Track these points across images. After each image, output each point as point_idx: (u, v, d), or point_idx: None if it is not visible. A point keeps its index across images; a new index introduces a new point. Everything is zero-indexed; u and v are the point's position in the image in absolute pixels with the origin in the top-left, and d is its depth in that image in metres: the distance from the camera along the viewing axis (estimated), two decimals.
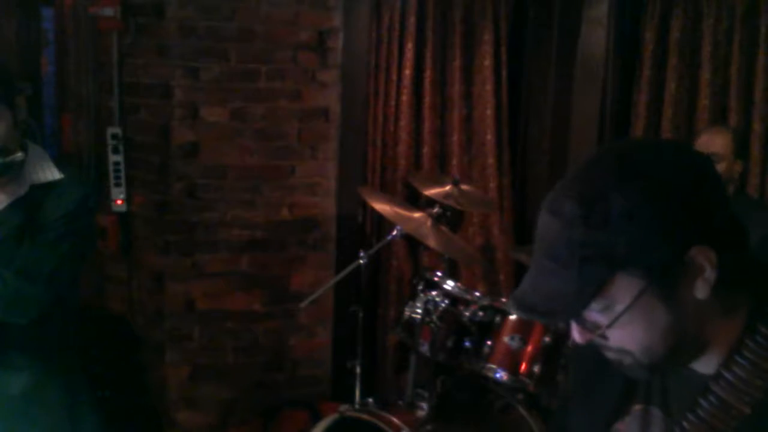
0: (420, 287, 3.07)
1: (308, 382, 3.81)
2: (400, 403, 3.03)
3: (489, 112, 4.09)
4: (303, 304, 3.22)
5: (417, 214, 3.20)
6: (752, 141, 3.63)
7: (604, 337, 1.02)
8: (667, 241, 0.95)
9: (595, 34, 3.97)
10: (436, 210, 3.16)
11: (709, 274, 0.97)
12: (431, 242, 3.08)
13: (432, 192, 3.46)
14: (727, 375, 1.01)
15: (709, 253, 0.97)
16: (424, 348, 2.98)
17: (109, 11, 3.49)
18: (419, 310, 2.99)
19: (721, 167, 3.05)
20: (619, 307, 0.98)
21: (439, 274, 3.13)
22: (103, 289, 3.91)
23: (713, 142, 3.07)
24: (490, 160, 4.13)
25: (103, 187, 3.75)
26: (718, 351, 1.03)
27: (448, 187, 3.43)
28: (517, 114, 4.28)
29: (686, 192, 0.97)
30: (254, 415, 3.69)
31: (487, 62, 4.06)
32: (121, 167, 3.60)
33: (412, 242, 3.96)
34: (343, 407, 2.93)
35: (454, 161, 4.08)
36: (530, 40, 4.25)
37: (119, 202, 3.61)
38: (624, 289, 0.97)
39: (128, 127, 3.61)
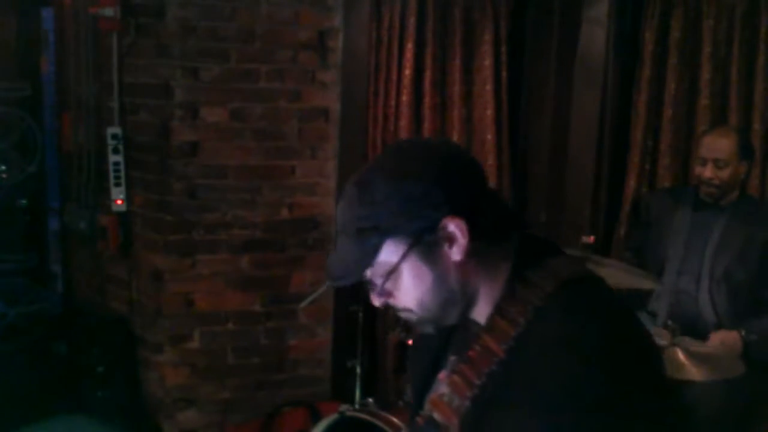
0: None
1: (308, 382, 3.81)
2: (400, 403, 3.04)
3: (489, 112, 4.09)
4: (303, 304, 3.22)
5: None
6: (752, 141, 3.62)
7: (389, 296, 1.24)
8: (422, 213, 1.18)
9: (595, 34, 3.97)
10: None
11: (462, 240, 1.19)
12: None
13: None
14: (492, 325, 1.21)
15: (461, 223, 1.18)
16: None
17: (109, 11, 3.49)
18: None
19: (726, 172, 3.02)
20: (390, 266, 1.21)
21: None
22: (103, 289, 3.91)
23: (718, 147, 3.03)
24: (490, 160, 4.13)
25: (103, 187, 3.76)
26: (488, 304, 1.24)
27: None
28: (517, 114, 4.28)
29: (436, 175, 1.19)
30: (254, 415, 3.69)
31: (487, 62, 4.05)
32: (121, 167, 3.60)
33: None
34: (343, 407, 2.93)
35: None
36: (530, 40, 4.25)
37: (119, 202, 3.61)
38: (393, 253, 1.20)
39: (128, 127, 3.61)
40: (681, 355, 2.62)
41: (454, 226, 1.19)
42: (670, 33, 3.84)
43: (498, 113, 4.13)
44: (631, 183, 3.97)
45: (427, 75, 3.96)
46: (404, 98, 3.93)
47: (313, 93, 3.61)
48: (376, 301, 1.27)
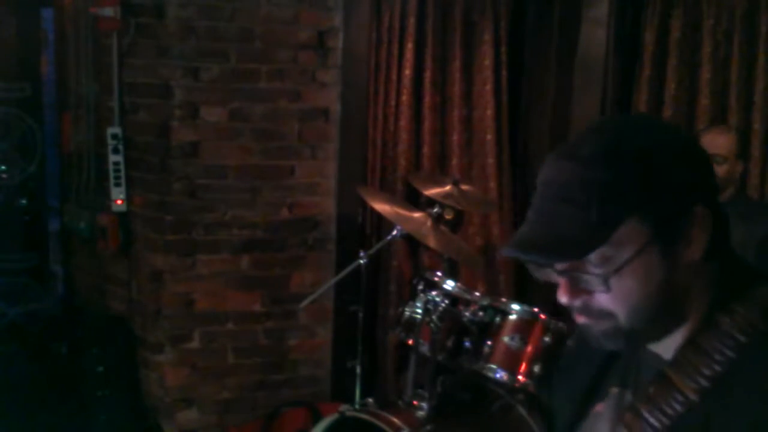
0: (420, 287, 3.07)
1: (308, 382, 3.81)
2: (400, 403, 3.03)
3: (489, 112, 4.09)
4: (303, 304, 3.22)
5: (417, 214, 3.20)
6: (752, 141, 3.63)
7: (588, 293, 1.01)
8: (678, 192, 0.98)
9: (595, 34, 3.97)
10: (436, 210, 3.16)
11: (705, 237, 0.99)
12: (431, 242, 3.08)
13: (432, 192, 3.46)
14: (682, 362, 1.02)
15: (709, 215, 0.99)
16: (424, 348, 2.98)
17: (109, 11, 3.49)
18: (419, 310, 2.98)
19: (723, 169, 3.03)
20: (623, 255, 0.98)
21: (439, 274, 3.12)
22: (103, 289, 3.91)
23: (716, 143, 3.05)
24: (490, 160, 4.13)
25: (103, 187, 3.76)
26: (680, 334, 1.04)
27: (448, 187, 3.43)
28: (517, 114, 4.28)
29: (695, 155, 1.03)
30: (254, 415, 3.69)
31: (487, 62, 4.05)
32: (121, 167, 3.60)
33: (412, 242, 3.96)
34: (343, 407, 2.92)
35: (454, 161, 4.08)
36: (530, 40, 4.25)
37: (119, 202, 3.60)
38: (632, 235, 0.97)
39: (128, 127, 3.61)
40: None
41: (703, 218, 0.98)
42: (670, 33, 3.84)
43: (498, 113, 4.13)
44: None
45: (427, 75, 3.96)
46: (404, 98, 3.93)
47: (313, 93, 3.61)
48: (567, 297, 1.03)
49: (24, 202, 4.14)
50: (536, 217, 1.03)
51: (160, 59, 3.44)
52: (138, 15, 3.48)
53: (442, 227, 3.22)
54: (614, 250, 0.98)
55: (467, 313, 2.97)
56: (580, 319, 1.05)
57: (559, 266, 1.02)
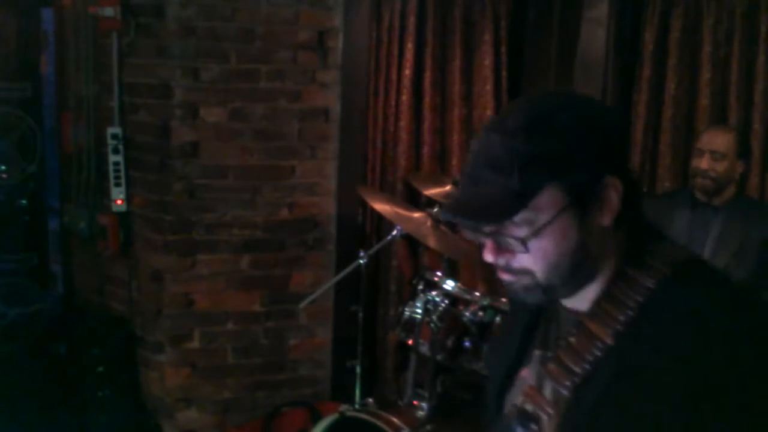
0: (420, 287, 3.07)
1: (308, 382, 3.81)
2: (400, 403, 3.03)
3: (489, 112, 4.09)
4: (303, 304, 3.22)
5: (417, 214, 3.20)
6: (752, 141, 3.63)
7: (511, 252, 1.12)
8: (594, 162, 1.08)
9: (595, 34, 3.97)
10: (436, 210, 3.16)
11: (615, 204, 1.10)
12: (431, 242, 3.08)
13: (432, 192, 3.46)
14: (598, 311, 1.13)
15: (620, 185, 1.10)
16: (424, 348, 2.98)
17: (109, 11, 3.49)
18: (419, 310, 2.99)
19: (722, 166, 3.05)
20: (542, 219, 1.08)
21: (439, 274, 3.12)
22: (103, 289, 3.91)
23: (715, 141, 3.09)
24: None
25: (103, 187, 3.76)
26: (595, 288, 1.15)
27: (448, 187, 3.43)
28: None
29: (613, 127, 1.12)
30: (254, 415, 3.69)
31: (487, 62, 4.06)
32: (121, 167, 3.60)
33: (412, 242, 3.96)
34: (343, 407, 2.93)
35: (454, 161, 4.08)
36: (530, 40, 4.25)
37: (119, 202, 3.60)
38: (551, 201, 1.07)
39: (128, 127, 3.61)
40: None
41: (613, 186, 1.09)
42: (670, 33, 3.84)
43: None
44: None
45: (427, 75, 3.96)
46: (404, 98, 3.93)
47: (313, 93, 3.61)
48: (491, 257, 1.14)
49: (24, 202, 4.14)
50: (467, 183, 1.13)
51: (160, 59, 3.44)
52: (138, 15, 3.48)
53: (442, 227, 3.22)
54: (534, 214, 1.08)
55: (467, 313, 2.97)
56: (504, 276, 1.16)
57: (487, 229, 1.12)
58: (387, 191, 3.93)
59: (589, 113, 1.11)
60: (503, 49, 4.11)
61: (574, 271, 1.12)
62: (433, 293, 3.00)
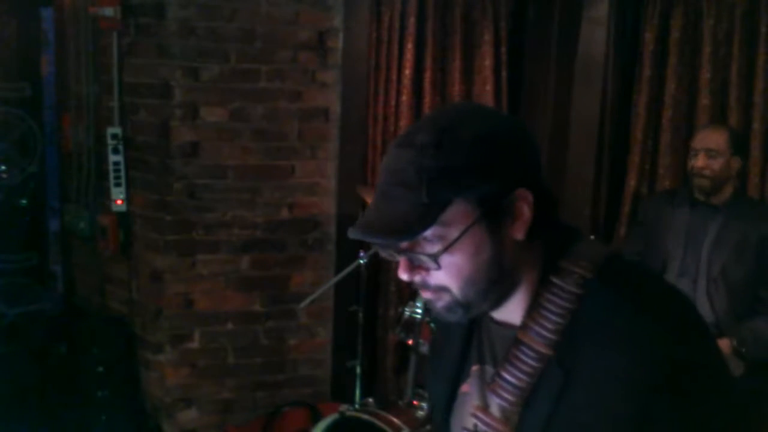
0: None
1: (308, 382, 3.81)
2: (400, 403, 3.04)
3: None
4: (303, 304, 3.22)
5: None
6: (752, 141, 3.63)
7: (424, 269, 1.11)
8: (502, 175, 1.08)
9: (595, 34, 3.97)
10: None
11: (527, 216, 1.10)
12: None
13: None
14: (529, 323, 1.12)
15: (530, 197, 1.09)
16: (424, 348, 2.98)
17: (109, 11, 3.49)
18: (419, 310, 2.99)
19: (718, 163, 3.06)
20: (453, 234, 1.07)
21: None
22: (103, 289, 3.91)
23: (709, 139, 3.11)
24: None
25: (103, 187, 3.76)
26: (522, 299, 1.15)
27: None
28: (517, 114, 4.28)
29: (520, 141, 1.12)
30: (254, 415, 3.69)
31: (487, 62, 4.05)
32: (121, 167, 3.60)
33: None
34: (343, 407, 2.93)
35: None
36: (530, 40, 4.25)
37: (119, 202, 3.61)
38: (460, 216, 1.07)
39: (128, 127, 3.61)
40: None
41: (524, 199, 1.09)
42: (670, 33, 3.84)
43: None
44: (631, 183, 3.97)
45: (427, 75, 3.96)
46: (404, 98, 3.93)
47: (313, 93, 3.61)
48: (406, 275, 1.13)
49: (24, 202, 4.15)
50: (376, 201, 1.12)
51: (160, 59, 3.44)
52: (138, 15, 3.48)
53: None
54: (445, 230, 1.07)
55: None
56: (425, 295, 1.15)
57: (399, 246, 1.12)
58: None
59: (492, 127, 1.10)
60: (503, 49, 4.11)
61: (491, 285, 1.11)
62: None
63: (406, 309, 3.10)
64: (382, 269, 4.04)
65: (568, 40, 4.04)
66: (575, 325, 1.09)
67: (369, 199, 3.31)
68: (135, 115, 3.59)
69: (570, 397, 1.07)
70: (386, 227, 1.08)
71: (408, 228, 1.07)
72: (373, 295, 4.00)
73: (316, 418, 3.34)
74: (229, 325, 3.64)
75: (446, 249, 1.08)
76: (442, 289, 1.12)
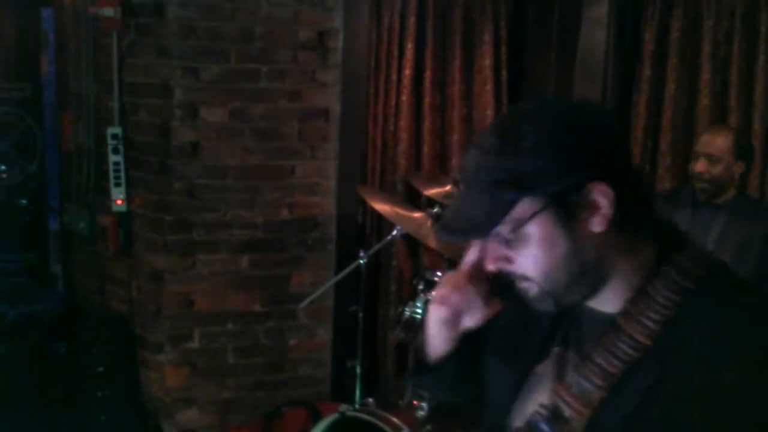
0: (420, 287, 3.07)
1: (308, 382, 3.81)
2: (400, 403, 3.03)
3: (489, 112, 4.09)
4: (303, 304, 3.22)
5: (417, 214, 3.20)
6: (752, 141, 3.62)
7: (508, 261, 1.14)
8: (569, 171, 1.07)
9: (595, 34, 3.97)
10: (436, 210, 3.16)
11: (606, 209, 1.08)
12: (431, 242, 3.08)
13: (432, 192, 3.46)
14: (632, 310, 1.11)
15: (608, 190, 1.08)
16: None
17: (109, 11, 3.49)
18: (419, 310, 2.99)
19: (717, 169, 3.05)
20: (524, 230, 1.10)
21: (439, 274, 3.12)
22: (103, 289, 3.91)
23: (711, 144, 3.10)
24: None
25: (103, 187, 3.76)
26: (623, 289, 1.13)
27: (448, 187, 3.43)
28: None
29: (592, 135, 1.10)
30: (254, 415, 3.69)
31: (487, 62, 4.06)
32: (121, 167, 3.60)
33: (412, 242, 3.96)
34: (343, 407, 2.93)
35: (454, 161, 4.08)
36: (530, 40, 4.25)
37: (119, 202, 3.60)
38: (527, 211, 1.08)
39: (128, 127, 3.61)
40: None
41: (600, 193, 1.08)
42: (670, 33, 3.84)
43: (498, 113, 4.13)
44: None
45: (427, 75, 3.96)
46: (404, 98, 3.93)
47: (313, 93, 3.61)
48: (492, 265, 1.16)
49: (24, 202, 4.14)
50: (454, 203, 1.18)
51: (160, 59, 3.44)
52: (138, 15, 3.48)
53: None
54: (516, 226, 1.09)
55: None
56: (519, 285, 1.16)
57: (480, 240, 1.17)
58: (387, 191, 3.93)
59: (559, 125, 1.10)
60: (503, 49, 4.11)
61: (575, 278, 1.11)
62: (433, 293, 2.99)
63: (406, 309, 3.10)
64: (382, 269, 4.04)
65: (568, 40, 4.04)
66: (681, 322, 1.08)
67: (369, 199, 3.31)
68: (135, 115, 3.59)
69: (663, 393, 1.06)
70: (460, 227, 1.13)
71: (477, 228, 1.12)
72: (373, 295, 4.00)
73: (316, 418, 3.34)
74: (229, 325, 3.64)
75: (521, 244, 1.11)
76: (527, 279, 1.14)
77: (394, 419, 2.80)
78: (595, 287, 1.13)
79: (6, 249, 4.05)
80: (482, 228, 1.12)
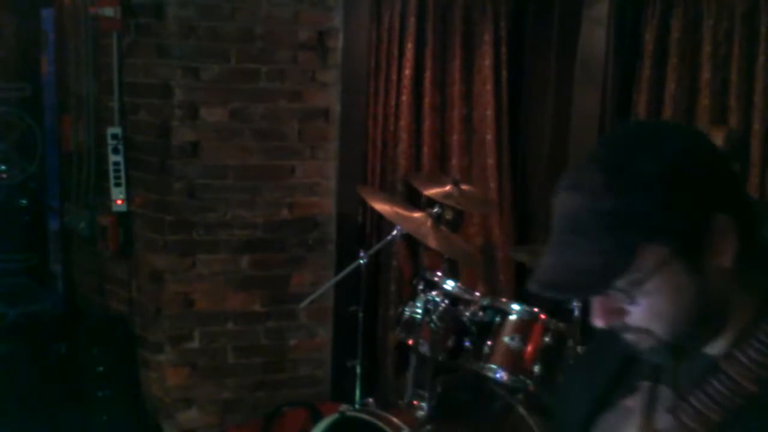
0: (420, 287, 3.07)
1: (308, 382, 3.81)
2: (400, 403, 3.03)
3: (489, 112, 4.09)
4: (303, 304, 3.22)
5: (417, 214, 3.20)
6: (752, 141, 3.63)
7: (627, 313, 1.00)
8: (695, 206, 0.95)
9: (595, 34, 3.97)
10: (436, 210, 3.16)
11: (733, 242, 0.96)
12: (431, 242, 3.08)
13: (432, 192, 3.46)
14: (738, 354, 1.00)
15: (730, 221, 0.96)
16: (424, 348, 2.98)
17: (109, 11, 3.49)
18: (419, 310, 2.99)
19: None
20: (645, 278, 0.96)
21: (439, 274, 3.13)
22: (103, 289, 3.91)
23: None
24: (490, 160, 4.13)
25: (103, 187, 3.76)
26: (729, 331, 1.02)
27: (448, 187, 3.43)
28: (517, 114, 4.28)
29: (711, 160, 0.98)
30: (254, 415, 3.69)
31: (487, 62, 4.06)
32: (121, 167, 3.60)
33: (412, 242, 3.96)
34: (343, 407, 2.92)
35: (454, 161, 4.08)
36: (530, 40, 4.25)
37: (119, 202, 3.60)
38: (651, 258, 0.94)
39: (128, 127, 3.61)
40: None
41: (726, 225, 0.95)
42: (670, 33, 3.84)
43: (498, 113, 4.13)
44: None
45: (427, 75, 3.96)
46: (404, 98, 3.93)
47: (313, 93, 3.61)
48: (601, 321, 1.01)
49: (24, 202, 4.14)
50: (553, 251, 1.00)
51: (160, 59, 3.44)
52: (138, 15, 3.48)
53: (442, 227, 3.22)
54: (635, 275, 0.96)
55: (467, 313, 2.97)
56: (626, 336, 1.03)
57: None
58: (387, 191, 3.93)
59: (671, 155, 0.96)
60: (503, 49, 4.11)
61: (700, 324, 1.00)
62: (433, 293, 3.00)
63: (406, 309, 3.10)
64: (382, 269, 4.04)
65: (568, 40, 4.04)
66: None
67: (369, 199, 3.31)
68: (135, 115, 3.59)
69: None
70: (569, 283, 0.98)
71: (593, 281, 0.97)
72: (373, 295, 4.00)
73: (316, 418, 3.33)
74: (229, 325, 3.64)
75: (641, 294, 0.97)
76: (644, 332, 1.01)
77: (394, 419, 2.79)
78: (717, 332, 1.02)
79: (6, 249, 4.05)
80: (598, 283, 0.96)
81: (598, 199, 0.94)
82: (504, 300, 3.04)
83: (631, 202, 0.93)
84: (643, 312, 0.98)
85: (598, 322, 1.01)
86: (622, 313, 1.00)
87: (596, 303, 1.01)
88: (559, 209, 0.99)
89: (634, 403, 1.11)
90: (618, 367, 1.14)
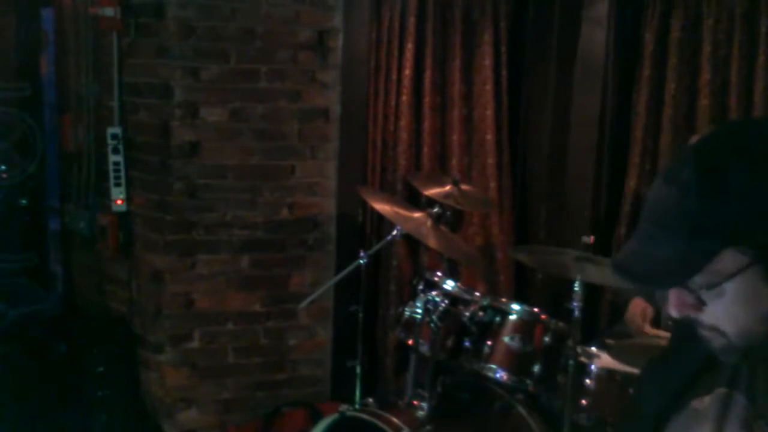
0: (420, 287, 3.07)
1: (308, 382, 3.81)
2: (400, 403, 3.03)
3: (489, 112, 4.09)
4: (303, 304, 3.22)
5: (417, 214, 3.20)
6: None
7: (701, 309, 1.00)
8: None
9: (595, 34, 3.97)
10: (436, 210, 3.16)
11: None
12: (431, 242, 3.08)
13: (432, 192, 3.46)
14: None
15: None
16: (424, 348, 2.98)
17: (109, 11, 3.49)
18: (419, 310, 2.98)
19: None
20: (723, 282, 0.95)
21: (439, 274, 3.12)
22: (103, 289, 3.91)
23: None
24: (490, 160, 4.13)
25: (103, 187, 3.76)
26: None
27: (448, 187, 3.43)
28: (517, 114, 4.28)
29: None
30: (254, 415, 3.69)
31: (487, 62, 4.06)
32: (121, 167, 3.60)
33: (412, 242, 3.96)
34: (343, 407, 2.92)
35: (454, 161, 4.08)
36: (530, 40, 4.25)
37: (119, 202, 3.61)
38: (729, 262, 0.94)
39: (128, 127, 3.61)
40: None
41: None
42: (670, 33, 3.84)
43: (498, 113, 4.13)
44: (631, 183, 3.97)
45: (427, 75, 3.96)
46: (404, 98, 3.93)
47: (313, 93, 3.61)
48: (676, 311, 1.01)
49: (24, 202, 4.14)
50: (636, 237, 1.01)
51: (160, 59, 3.44)
52: (138, 15, 3.48)
53: (442, 227, 3.22)
54: (712, 276, 0.96)
55: (467, 313, 2.97)
56: (700, 332, 1.03)
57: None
58: (387, 191, 3.93)
59: None
60: (503, 49, 4.11)
61: None
62: (433, 293, 3.00)
63: (406, 309, 3.10)
64: (382, 269, 4.04)
65: (568, 40, 4.04)
66: None
67: (369, 199, 3.31)
68: (135, 115, 3.59)
69: None
70: (646, 272, 0.99)
71: (668, 276, 0.98)
72: (373, 295, 4.00)
73: (316, 418, 3.33)
74: (229, 325, 3.64)
75: (717, 296, 0.97)
76: (716, 331, 1.00)
77: (394, 419, 2.79)
78: None
79: (6, 249, 4.05)
80: (674, 277, 0.98)
81: (686, 197, 0.94)
82: (504, 300, 3.04)
83: (717, 206, 0.92)
84: (716, 312, 0.98)
85: (673, 312, 1.02)
86: (696, 308, 1.00)
87: (673, 292, 1.01)
88: (650, 196, 1.00)
89: (703, 406, 1.10)
90: (696, 369, 1.13)
